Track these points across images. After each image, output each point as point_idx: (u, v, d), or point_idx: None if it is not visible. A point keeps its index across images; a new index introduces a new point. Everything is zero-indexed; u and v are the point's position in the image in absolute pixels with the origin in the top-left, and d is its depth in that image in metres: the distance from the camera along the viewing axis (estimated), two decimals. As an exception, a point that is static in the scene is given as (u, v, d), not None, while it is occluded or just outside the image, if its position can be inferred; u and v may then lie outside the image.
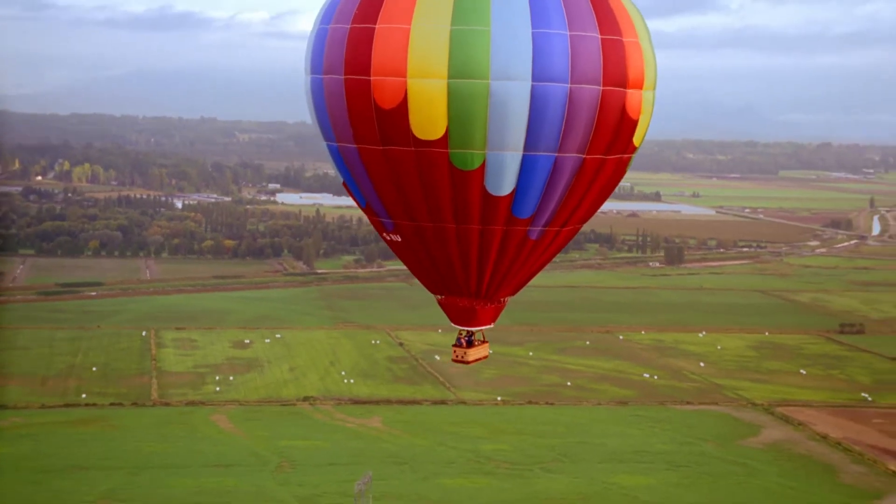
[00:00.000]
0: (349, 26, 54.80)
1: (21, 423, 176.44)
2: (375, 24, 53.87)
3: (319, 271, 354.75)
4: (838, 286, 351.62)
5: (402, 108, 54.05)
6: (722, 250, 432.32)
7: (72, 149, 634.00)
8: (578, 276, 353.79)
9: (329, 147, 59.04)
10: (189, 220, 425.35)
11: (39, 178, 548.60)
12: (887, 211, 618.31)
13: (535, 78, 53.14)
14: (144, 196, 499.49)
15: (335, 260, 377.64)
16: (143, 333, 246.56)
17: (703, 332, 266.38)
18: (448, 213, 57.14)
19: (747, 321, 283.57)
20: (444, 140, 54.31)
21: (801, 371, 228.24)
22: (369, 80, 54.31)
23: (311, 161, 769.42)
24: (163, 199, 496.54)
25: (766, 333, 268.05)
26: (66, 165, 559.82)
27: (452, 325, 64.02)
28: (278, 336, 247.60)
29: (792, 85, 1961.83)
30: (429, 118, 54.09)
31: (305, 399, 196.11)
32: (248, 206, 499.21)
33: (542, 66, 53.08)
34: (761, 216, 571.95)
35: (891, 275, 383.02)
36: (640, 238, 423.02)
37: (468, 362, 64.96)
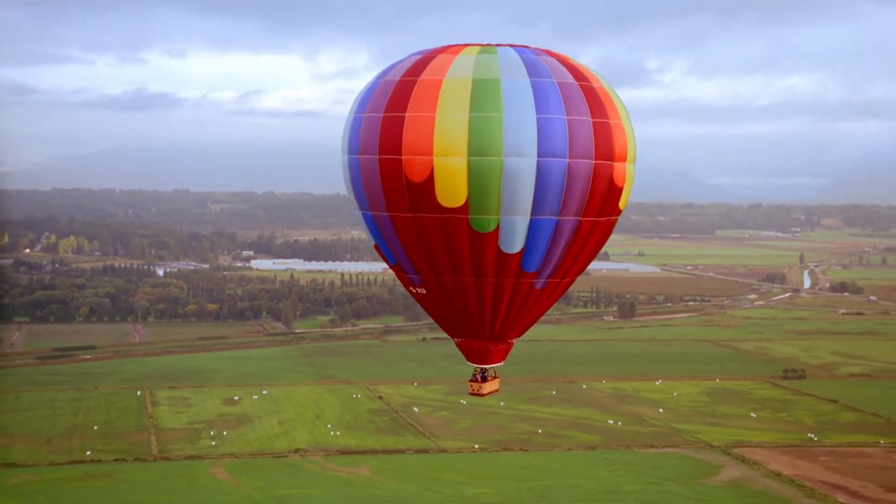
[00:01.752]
0: (382, 115, 60.41)
1: (32, 479, 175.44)
2: (405, 112, 59.55)
3: (298, 331, 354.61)
4: (778, 335, 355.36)
5: (430, 181, 59.58)
6: (669, 304, 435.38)
7: (57, 222, 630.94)
8: (540, 331, 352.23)
9: (364, 215, 64.13)
10: (172, 286, 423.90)
11: (28, 250, 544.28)
12: (815, 266, 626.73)
13: (539, 154, 59.08)
14: (127, 265, 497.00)
15: (311, 320, 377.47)
16: (139, 393, 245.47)
17: (660, 381, 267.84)
18: (467, 269, 62.42)
19: (698, 369, 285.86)
20: (465, 207, 59.84)
21: (752, 414, 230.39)
22: (401, 158, 59.89)
23: (281, 229, 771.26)
24: (145, 267, 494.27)
25: (717, 380, 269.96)
26: (53, 238, 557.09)
27: (468, 363, 68.91)
28: (265, 392, 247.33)
29: (721, 151, 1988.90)
30: (452, 189, 59.74)
31: (296, 451, 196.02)
32: (225, 273, 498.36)
33: (545, 144, 59.04)
34: (702, 272, 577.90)
35: (824, 324, 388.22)
36: (594, 294, 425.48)
37: (483, 395, 70.15)
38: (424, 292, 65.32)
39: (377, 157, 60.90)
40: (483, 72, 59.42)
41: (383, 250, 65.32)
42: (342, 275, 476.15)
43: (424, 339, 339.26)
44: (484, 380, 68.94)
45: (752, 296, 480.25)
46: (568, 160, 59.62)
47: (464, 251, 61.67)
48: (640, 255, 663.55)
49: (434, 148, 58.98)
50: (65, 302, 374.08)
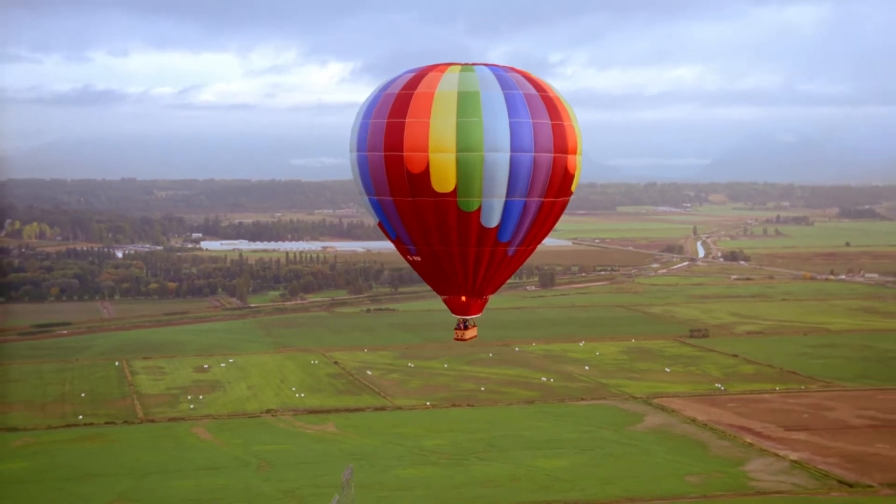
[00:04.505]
0: (386, 120, 67.72)
1: (33, 441, 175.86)
2: (405, 118, 67.02)
3: (252, 305, 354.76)
4: (681, 299, 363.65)
5: (426, 172, 66.98)
6: (584, 274, 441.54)
7: (17, 210, 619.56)
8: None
9: (370, 200, 71.28)
10: (133, 266, 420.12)
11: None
12: (707, 237, 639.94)
13: (512, 150, 66.83)
14: (88, 248, 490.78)
15: (263, 295, 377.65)
16: (116, 364, 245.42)
17: (583, 342, 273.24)
18: (455, 240, 69.97)
19: (615, 331, 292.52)
20: (454, 192, 67.34)
21: (666, 369, 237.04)
22: (402, 155, 67.20)
23: (223, 212, 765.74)
24: (105, 250, 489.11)
25: (633, 340, 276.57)
26: (17, 224, 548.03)
27: (452, 314, 76.48)
28: (231, 361, 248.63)
29: (617, 135, 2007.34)
30: (444, 178, 67.17)
31: (268, 411, 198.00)
32: (178, 254, 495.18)
33: (516, 142, 66.86)
34: (609, 245, 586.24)
35: (719, 289, 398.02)
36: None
37: (466, 339, 77.14)
38: (419, 259, 73.01)
39: (383, 153, 68.07)
40: (465, 86, 67.40)
41: (386, 227, 72.58)
42: (287, 253, 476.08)
43: (368, 311, 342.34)
44: (466, 328, 76.10)
45: (655, 265, 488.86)
46: (533, 154, 67.62)
47: (452, 226, 69.21)
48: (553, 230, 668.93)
49: (429, 146, 66.40)
50: (36, 283, 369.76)
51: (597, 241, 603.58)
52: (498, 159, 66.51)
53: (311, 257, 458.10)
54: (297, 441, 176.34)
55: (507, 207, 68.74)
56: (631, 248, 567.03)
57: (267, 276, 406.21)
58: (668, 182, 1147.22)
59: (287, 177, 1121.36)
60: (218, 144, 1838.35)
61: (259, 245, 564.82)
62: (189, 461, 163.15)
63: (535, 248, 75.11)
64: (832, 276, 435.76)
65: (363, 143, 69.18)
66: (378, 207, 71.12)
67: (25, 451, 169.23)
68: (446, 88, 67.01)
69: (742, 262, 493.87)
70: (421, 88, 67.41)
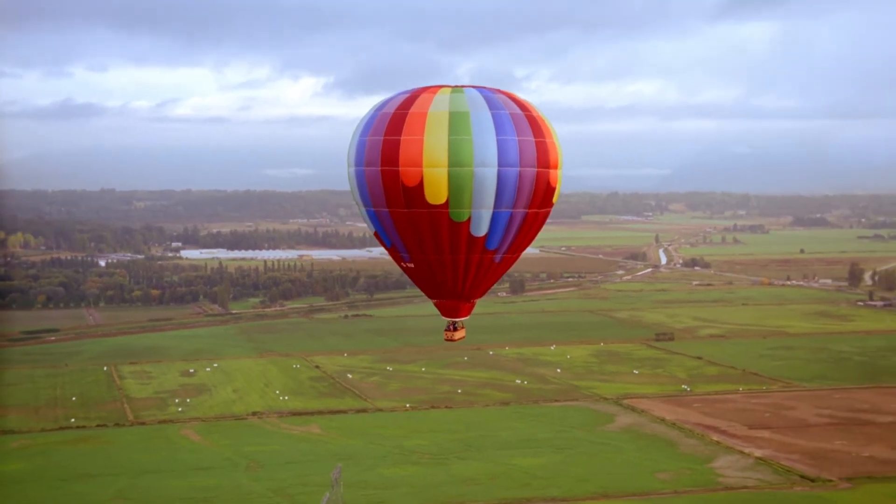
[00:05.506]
0: (382, 138, 69.91)
1: (29, 443, 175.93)
2: (401, 136, 69.23)
3: (234, 312, 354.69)
4: (646, 305, 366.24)
5: (420, 185, 69.11)
6: (552, 280, 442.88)
7: (2, 220, 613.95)
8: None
9: (368, 211, 73.53)
10: (116, 275, 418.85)
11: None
12: (668, 245, 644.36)
13: (499, 165, 69.09)
14: (71, 257, 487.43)
15: (243, 302, 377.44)
16: (105, 368, 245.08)
17: (554, 346, 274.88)
18: (446, 248, 71.96)
19: (584, 335, 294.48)
20: (446, 204, 69.46)
21: (635, 371, 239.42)
22: (398, 169, 69.40)
23: (200, 222, 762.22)
24: (88, 258, 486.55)
25: (602, 344, 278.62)
26: (2, 234, 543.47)
27: (442, 317, 78.40)
28: (216, 365, 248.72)
29: (579, 146, 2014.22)
30: (437, 191, 69.31)
31: (254, 414, 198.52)
32: (159, 262, 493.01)
33: (503, 158, 69.11)
34: (575, 252, 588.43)
35: (682, 294, 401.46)
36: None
37: (455, 340, 78.94)
38: (413, 266, 74.99)
39: (380, 168, 70.42)
40: (456, 106, 69.99)
41: (382, 237, 74.79)
42: (265, 262, 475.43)
43: (346, 317, 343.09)
44: (455, 329, 78.24)
45: (620, 271, 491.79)
46: (519, 169, 70.02)
47: (444, 235, 71.49)
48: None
49: (423, 161, 68.67)
50: (23, 291, 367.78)
51: (563, 248, 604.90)
52: (486, 174, 68.90)
53: (288, 265, 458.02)
54: (283, 442, 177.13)
55: (494, 218, 71.13)
56: (601, 255, 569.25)
57: (246, 284, 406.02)
58: (629, 192, 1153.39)
59: (260, 187, 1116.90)
60: (194, 156, 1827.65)
61: (237, 253, 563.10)
62: (181, 462, 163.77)
63: (519, 255, 77.60)
64: (788, 282, 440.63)
65: (361, 158, 71.50)
66: (375, 218, 73.47)
67: (23, 453, 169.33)
68: (438, 109, 69.61)
69: (702, 269, 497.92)
70: (415, 108, 69.97)
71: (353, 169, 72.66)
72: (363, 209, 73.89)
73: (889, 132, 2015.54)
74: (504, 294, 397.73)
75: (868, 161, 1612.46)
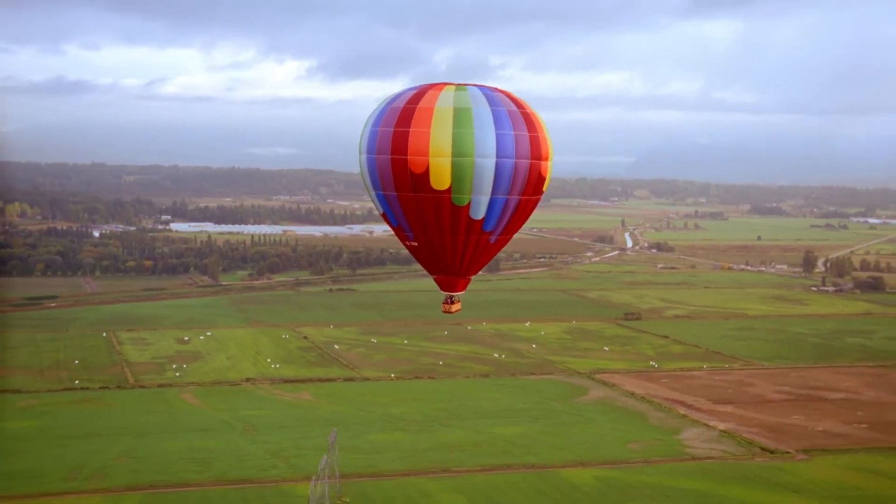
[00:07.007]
0: (392, 129, 73.90)
1: (36, 403, 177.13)
2: (409, 128, 73.27)
3: (224, 283, 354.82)
4: (614, 286, 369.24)
5: (426, 173, 73.23)
6: (525, 261, 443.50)
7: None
8: (426, 283, 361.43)
9: (377, 194, 77.32)
10: (110, 245, 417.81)
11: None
12: (634, 229, 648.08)
13: (497, 156, 73.20)
14: (67, 228, 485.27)
15: (232, 274, 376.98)
16: (104, 334, 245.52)
17: (528, 322, 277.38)
18: (447, 229, 75.97)
19: (557, 313, 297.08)
20: (449, 190, 73.44)
21: (605, 348, 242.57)
22: (407, 158, 73.54)
23: (188, 196, 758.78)
24: (83, 229, 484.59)
25: (573, 322, 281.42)
26: (0, 204, 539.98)
27: (441, 291, 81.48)
28: (209, 334, 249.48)
29: (551, 134, 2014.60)
30: (441, 178, 73.55)
31: (247, 380, 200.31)
32: (151, 234, 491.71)
33: (501, 150, 73.23)
34: (546, 234, 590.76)
35: (648, 276, 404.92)
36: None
37: (452, 312, 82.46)
38: (416, 244, 78.79)
39: (390, 156, 74.47)
40: (460, 103, 74.13)
41: (389, 217, 78.59)
42: (252, 236, 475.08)
43: (331, 290, 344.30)
44: (452, 303, 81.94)
45: (589, 253, 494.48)
46: (515, 160, 74.09)
47: (446, 218, 75.43)
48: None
49: (430, 151, 72.61)
50: (23, 259, 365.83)
51: (535, 230, 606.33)
52: (486, 164, 72.83)
53: (274, 240, 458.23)
54: (276, 407, 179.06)
55: (491, 203, 75.01)
56: (575, 238, 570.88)
57: (235, 257, 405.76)
58: (597, 178, 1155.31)
59: (244, 164, 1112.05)
60: (181, 133, 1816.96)
61: (225, 228, 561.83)
62: (181, 423, 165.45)
63: (511, 236, 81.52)
64: (747, 267, 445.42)
65: (373, 146, 75.55)
66: (384, 201, 77.49)
67: (31, 412, 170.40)
68: (444, 104, 73.84)
69: (666, 253, 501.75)
70: (423, 104, 74.09)
71: (364, 156, 76.39)
72: (373, 192, 77.72)
73: (842, 127, 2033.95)
74: (481, 272, 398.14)
75: (821, 154, 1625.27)
